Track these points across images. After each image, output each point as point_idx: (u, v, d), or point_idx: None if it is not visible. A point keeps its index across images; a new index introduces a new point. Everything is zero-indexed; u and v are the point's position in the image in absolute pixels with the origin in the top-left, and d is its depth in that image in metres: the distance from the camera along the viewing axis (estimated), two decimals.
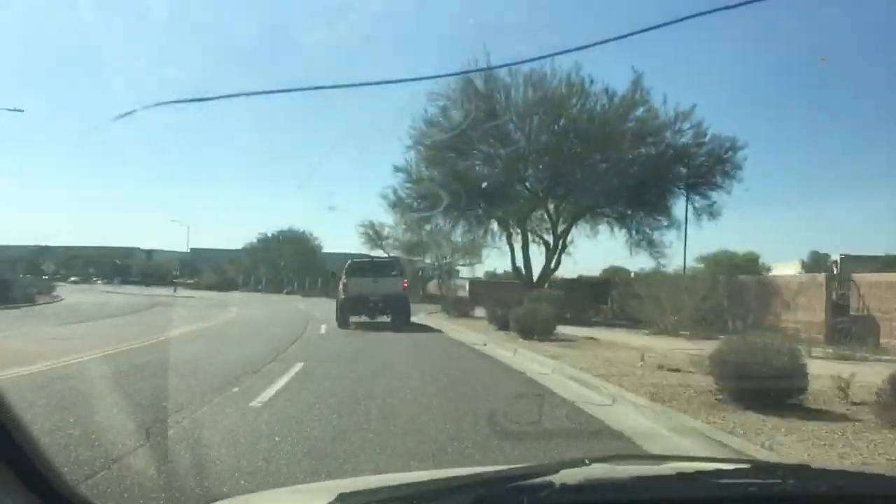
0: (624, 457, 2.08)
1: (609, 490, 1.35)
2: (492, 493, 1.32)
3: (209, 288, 51.69)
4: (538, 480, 1.32)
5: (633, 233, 20.92)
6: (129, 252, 63.36)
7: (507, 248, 22.85)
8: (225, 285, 52.93)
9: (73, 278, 67.04)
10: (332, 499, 1.27)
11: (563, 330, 12.84)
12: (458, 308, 20.57)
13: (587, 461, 1.50)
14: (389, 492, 1.35)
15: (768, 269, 24.79)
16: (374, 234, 37.63)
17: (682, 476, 1.38)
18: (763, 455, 4.31)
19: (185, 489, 3.11)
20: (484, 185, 19.66)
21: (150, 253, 70.46)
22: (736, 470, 1.54)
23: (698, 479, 1.41)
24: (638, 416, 5.43)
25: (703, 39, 46.26)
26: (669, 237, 20.80)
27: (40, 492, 1.36)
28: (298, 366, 7.88)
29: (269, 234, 59.10)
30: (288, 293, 44.40)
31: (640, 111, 20.21)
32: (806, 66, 43.80)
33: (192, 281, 56.08)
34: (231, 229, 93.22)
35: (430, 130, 18.86)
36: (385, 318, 15.88)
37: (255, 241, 60.75)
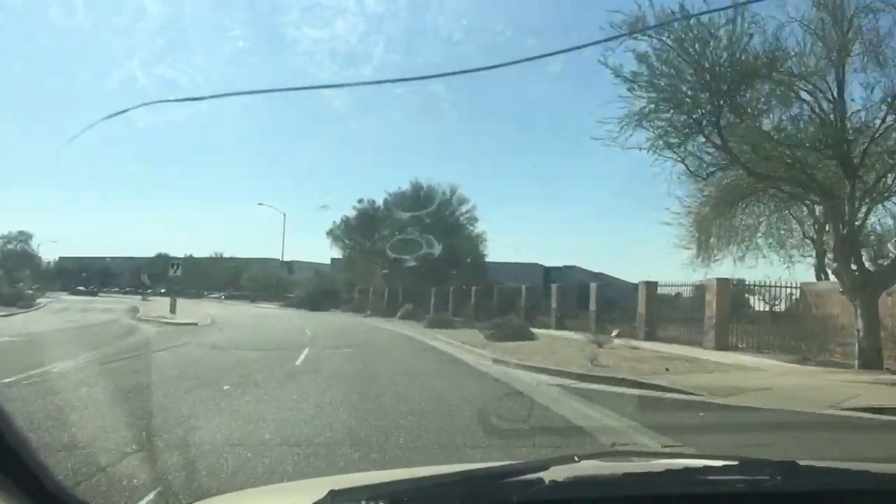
0: (613, 453, 2.05)
1: (598, 486, 1.36)
2: (482, 489, 1.33)
3: (299, 305, 41.85)
4: (528, 477, 1.33)
5: None
6: (263, 263, 60.50)
7: None
8: (322, 301, 40.63)
9: (80, 287, 65.31)
10: (323, 495, 1.27)
11: None
12: None
13: (576, 458, 1.52)
14: (381, 488, 1.33)
15: None
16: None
17: (670, 473, 1.39)
18: None
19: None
20: None
21: (289, 265, 62.76)
22: (724, 467, 1.52)
23: (686, 475, 1.41)
24: None
25: None
26: None
27: (33, 493, 1.32)
28: None
29: (379, 202, 38.11)
30: (403, 318, 29.83)
31: None
32: None
33: (292, 295, 48.71)
34: None
35: None
36: None
37: (351, 215, 39.12)
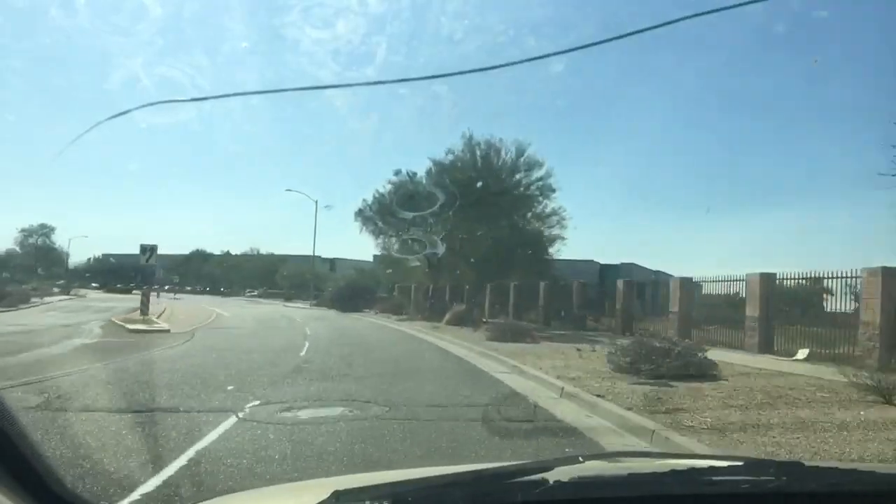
0: (618, 454, 2.08)
1: (602, 487, 1.34)
2: (487, 489, 1.31)
3: (331, 305, 36.06)
4: (532, 477, 1.30)
5: None
6: (306, 260, 56.63)
7: None
8: (355, 301, 33.89)
9: (118, 285, 60.63)
10: (327, 496, 1.27)
11: None
12: None
13: (581, 458, 1.51)
14: (384, 489, 1.32)
15: None
16: None
17: (675, 473, 1.37)
18: None
19: None
20: None
21: (332, 262, 59.45)
22: (729, 467, 1.51)
23: (691, 476, 1.40)
24: None
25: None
26: None
27: (38, 493, 1.33)
28: None
29: (421, 174, 28.77)
30: (452, 322, 22.81)
31: None
32: None
33: (327, 290, 42.10)
34: None
35: None
36: None
37: (385, 190, 29.95)
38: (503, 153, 25.96)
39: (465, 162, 26.25)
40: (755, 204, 65.78)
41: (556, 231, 26.14)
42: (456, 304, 26.65)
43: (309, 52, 58.24)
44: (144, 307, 20.21)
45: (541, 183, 25.97)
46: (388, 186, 28.41)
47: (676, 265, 78.16)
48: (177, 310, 31.67)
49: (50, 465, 1.36)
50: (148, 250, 20.29)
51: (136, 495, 4.16)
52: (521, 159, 25.90)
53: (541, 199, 26.01)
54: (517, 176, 26.18)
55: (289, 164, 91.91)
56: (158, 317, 22.79)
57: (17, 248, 63.57)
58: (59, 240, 69.79)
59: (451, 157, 26.02)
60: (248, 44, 58.03)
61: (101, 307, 31.99)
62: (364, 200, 29.72)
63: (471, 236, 24.25)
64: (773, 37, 47.96)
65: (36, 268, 62.88)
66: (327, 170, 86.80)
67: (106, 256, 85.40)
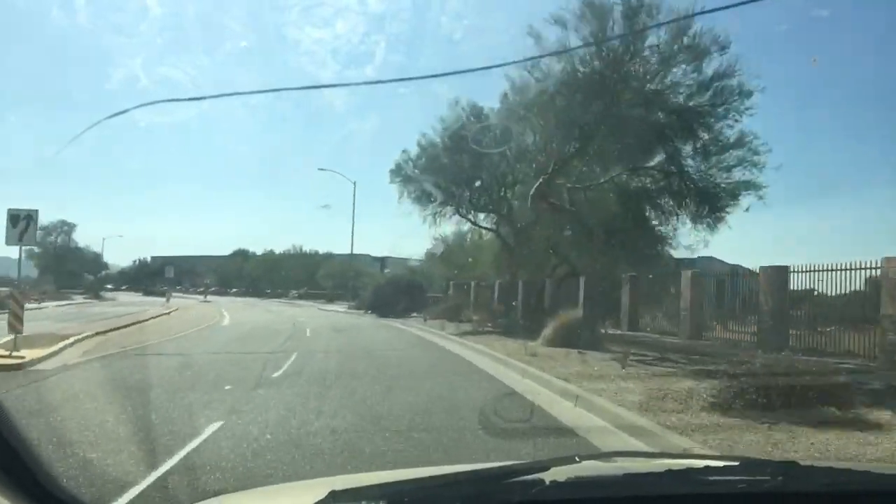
0: (614, 454, 1.96)
1: (599, 487, 1.36)
2: (484, 489, 1.33)
3: (369, 307, 31.20)
4: (529, 477, 1.32)
5: None
6: (354, 258, 51.17)
7: None
8: (398, 302, 27.61)
9: (163, 287, 56.27)
10: (323, 496, 1.27)
11: None
12: None
13: (577, 458, 1.52)
14: (381, 489, 1.33)
15: None
16: None
17: (671, 473, 1.39)
18: None
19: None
20: None
21: (383, 261, 53.32)
22: (725, 467, 1.54)
23: (688, 476, 1.41)
24: None
25: None
26: None
27: (38, 497, 1.35)
28: None
29: (491, 105, 17.92)
30: (554, 342, 12.35)
31: None
32: None
33: (366, 291, 37.16)
34: None
35: None
36: None
37: (437, 137, 18.76)
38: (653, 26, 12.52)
39: (581, 50, 13.05)
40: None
41: (738, 175, 13.76)
42: (558, 307, 16.27)
43: (309, 51, 54.76)
44: (16, 319, 10.94)
45: (720, 84, 13.07)
46: (440, 128, 19.33)
47: (750, 259, 69.01)
48: (177, 315, 27.89)
49: (48, 467, 1.38)
50: (23, 218, 10.72)
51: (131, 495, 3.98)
52: (684, 39, 12.72)
53: (721, 111, 13.05)
54: (675, 71, 13.27)
55: (294, 163, 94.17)
56: (125, 327, 17.64)
57: (35, 249, 55.47)
58: (86, 239, 68.89)
59: (554, 32, 12.97)
60: (249, 43, 53.70)
61: (78, 314, 24.84)
62: (404, 152, 20.74)
63: (582, 187, 13.26)
64: None
65: (81, 271, 59.66)
66: (329, 168, 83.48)
67: (156, 259, 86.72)
